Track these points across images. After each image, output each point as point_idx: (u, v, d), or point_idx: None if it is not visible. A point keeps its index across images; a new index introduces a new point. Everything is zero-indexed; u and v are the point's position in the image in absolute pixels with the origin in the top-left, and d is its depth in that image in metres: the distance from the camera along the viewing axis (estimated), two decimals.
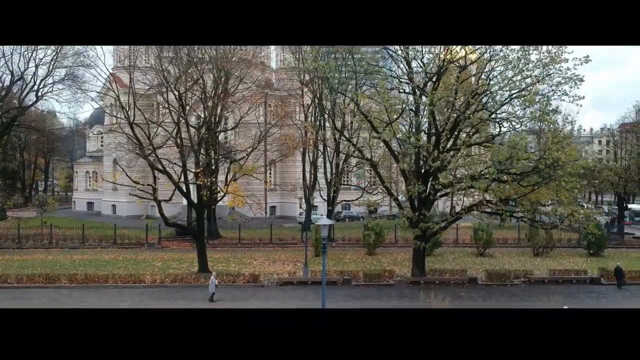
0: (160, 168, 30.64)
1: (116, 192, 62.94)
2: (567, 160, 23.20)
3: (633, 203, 57.42)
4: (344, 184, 45.90)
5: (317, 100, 45.09)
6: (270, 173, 62.31)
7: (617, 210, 55.53)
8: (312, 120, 48.03)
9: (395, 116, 27.16)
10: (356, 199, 44.92)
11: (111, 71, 68.24)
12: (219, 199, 35.54)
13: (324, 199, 48.13)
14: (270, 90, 63.32)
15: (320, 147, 46.56)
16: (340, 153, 42.87)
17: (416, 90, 25.93)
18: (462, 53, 25.82)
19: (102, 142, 69.80)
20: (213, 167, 37.01)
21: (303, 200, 51.74)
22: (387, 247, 42.74)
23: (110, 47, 68.43)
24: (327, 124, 44.61)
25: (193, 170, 33.50)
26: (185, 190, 31.81)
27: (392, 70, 29.70)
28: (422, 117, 26.26)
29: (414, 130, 26.90)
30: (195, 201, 33.22)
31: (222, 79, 38.73)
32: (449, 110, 25.08)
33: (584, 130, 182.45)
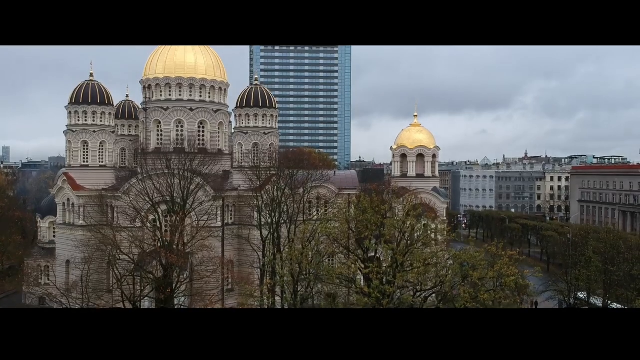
0: None
1: (69, 294, 61.15)
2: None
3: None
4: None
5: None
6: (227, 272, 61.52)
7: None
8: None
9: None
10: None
11: (64, 170, 64.83)
12: None
13: None
14: (229, 192, 62.69)
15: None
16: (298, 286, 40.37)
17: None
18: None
19: (54, 234, 64.87)
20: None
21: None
22: None
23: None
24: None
25: None
26: None
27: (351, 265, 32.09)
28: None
29: None
30: None
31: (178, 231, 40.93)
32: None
33: (526, 160, 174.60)
